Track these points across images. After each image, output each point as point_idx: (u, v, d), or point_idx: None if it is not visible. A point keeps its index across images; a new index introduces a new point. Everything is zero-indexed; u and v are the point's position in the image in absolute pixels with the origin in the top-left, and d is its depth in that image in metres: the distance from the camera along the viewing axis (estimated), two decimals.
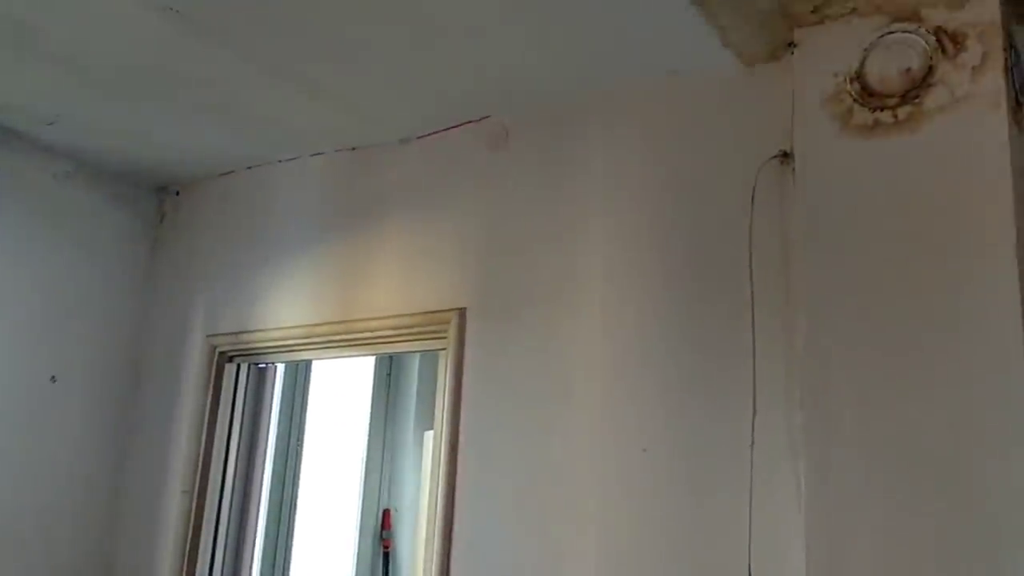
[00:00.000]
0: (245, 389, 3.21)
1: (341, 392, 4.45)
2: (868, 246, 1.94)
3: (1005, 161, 1.82)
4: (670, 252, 2.37)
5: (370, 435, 4.50)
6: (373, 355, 3.32)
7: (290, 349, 3.10)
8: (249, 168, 3.37)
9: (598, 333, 2.42)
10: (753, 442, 2.07)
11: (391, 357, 4.51)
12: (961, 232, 1.86)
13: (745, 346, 2.14)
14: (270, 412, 3.30)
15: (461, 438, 2.60)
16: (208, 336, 3.24)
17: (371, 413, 4.54)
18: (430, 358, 4.00)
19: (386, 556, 4.44)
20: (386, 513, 4.52)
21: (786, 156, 2.20)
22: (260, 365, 3.26)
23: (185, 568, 3.04)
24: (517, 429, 2.51)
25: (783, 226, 2.18)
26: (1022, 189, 1.87)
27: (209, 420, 3.13)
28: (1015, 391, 1.69)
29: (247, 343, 3.15)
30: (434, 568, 2.54)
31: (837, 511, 1.81)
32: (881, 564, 1.75)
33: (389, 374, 4.67)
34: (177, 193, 3.57)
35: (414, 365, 4.63)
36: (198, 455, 3.11)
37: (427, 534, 2.64)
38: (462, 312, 2.69)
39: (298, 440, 3.88)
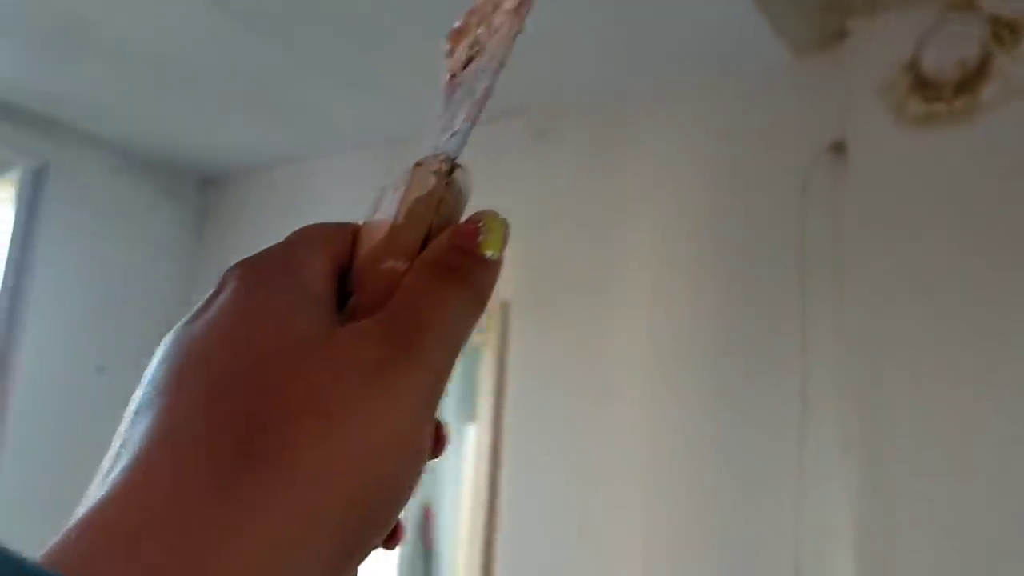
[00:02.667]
0: None
1: None
2: (923, 240, 1.89)
3: None
4: (718, 245, 2.33)
5: None
6: None
7: None
8: (292, 161, 3.38)
9: (644, 327, 2.39)
10: (802, 439, 2.03)
11: None
12: (1017, 225, 1.80)
13: (795, 341, 2.10)
14: None
15: (504, 434, 2.59)
16: None
17: None
18: (466, 351, 3.98)
19: (428, 553, 4.45)
20: (427, 510, 4.52)
21: (839, 147, 2.15)
22: None
23: None
24: (561, 424, 2.49)
25: (835, 219, 2.13)
26: None
27: None
28: None
29: None
30: (477, 566, 2.53)
31: (889, 512, 1.76)
32: (933, 565, 1.70)
33: None
34: (222, 186, 3.61)
35: None
36: None
37: (470, 532, 2.63)
38: (505, 305, 2.68)
39: None
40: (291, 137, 3.17)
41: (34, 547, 0.28)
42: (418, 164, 0.36)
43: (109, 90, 2.89)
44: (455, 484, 4.47)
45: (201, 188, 3.62)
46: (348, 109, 2.91)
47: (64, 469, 3.12)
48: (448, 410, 4.55)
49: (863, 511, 1.79)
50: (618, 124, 2.61)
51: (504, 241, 0.35)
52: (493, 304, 2.67)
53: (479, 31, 0.38)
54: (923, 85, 2.01)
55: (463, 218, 0.36)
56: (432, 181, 0.35)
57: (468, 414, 4.20)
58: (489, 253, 0.35)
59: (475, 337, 2.43)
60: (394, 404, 0.30)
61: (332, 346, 0.31)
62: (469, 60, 0.38)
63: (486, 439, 2.60)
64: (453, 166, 0.36)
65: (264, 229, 3.41)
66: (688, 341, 2.30)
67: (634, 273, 2.45)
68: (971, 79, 1.95)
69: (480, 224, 0.35)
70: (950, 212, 1.89)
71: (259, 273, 0.34)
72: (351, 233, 0.37)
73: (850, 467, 1.87)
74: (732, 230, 2.31)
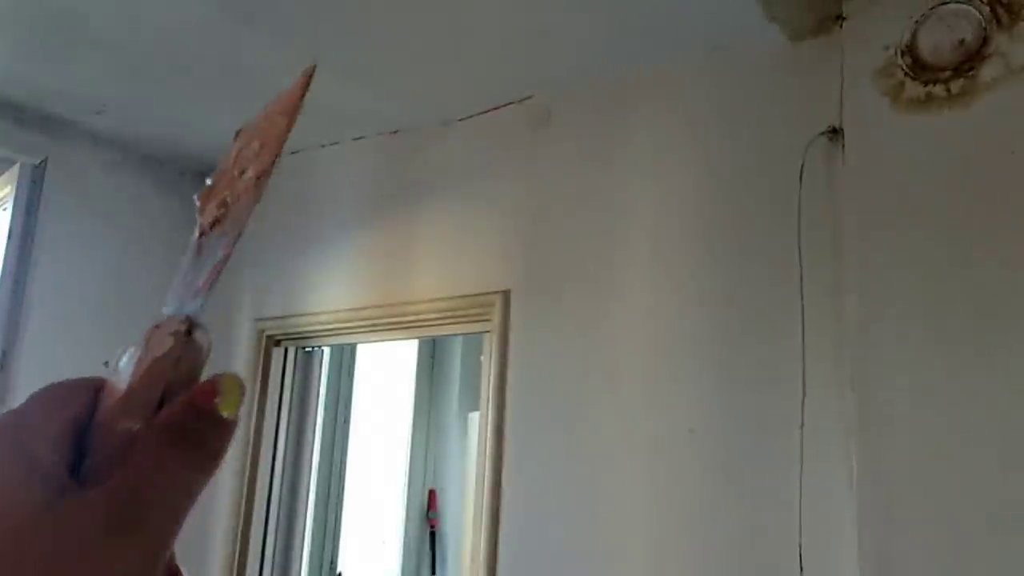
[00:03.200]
0: (293, 372, 3.25)
1: (386, 375, 4.49)
2: (921, 223, 1.90)
3: None
4: (717, 230, 2.34)
5: (415, 417, 4.55)
6: (418, 338, 3.34)
7: (336, 333, 3.13)
8: (293, 153, 3.39)
9: (644, 313, 2.41)
10: (803, 424, 2.05)
11: (434, 340, 4.54)
12: (1016, 207, 1.81)
13: (794, 326, 2.11)
14: (318, 395, 3.34)
15: (507, 420, 2.61)
16: (256, 320, 3.29)
17: (415, 395, 4.58)
18: (472, 340, 4.01)
19: (432, 535, 4.49)
20: (432, 493, 4.56)
21: (835, 132, 2.16)
22: (307, 349, 3.29)
23: (238, 548, 3.10)
24: (563, 410, 2.51)
25: (833, 203, 2.14)
26: None
27: (259, 403, 3.18)
28: None
29: (294, 327, 3.19)
30: (482, 550, 2.55)
31: (889, 494, 1.78)
32: (933, 549, 1.72)
33: (432, 356, 4.70)
34: None
35: (456, 347, 4.65)
36: (248, 438, 3.16)
37: (474, 517, 2.66)
38: (506, 294, 2.69)
39: (345, 422, 3.93)
40: (294, 129, 3.17)
41: None
42: (157, 326, 0.38)
43: (106, 85, 2.89)
44: (460, 469, 4.52)
45: (201, 181, 3.60)
46: (344, 100, 2.91)
47: None
48: (452, 397, 4.59)
49: (863, 496, 1.81)
50: (616, 111, 2.61)
51: (240, 401, 0.36)
52: (495, 292, 2.69)
53: (227, 194, 0.41)
54: (920, 68, 2.01)
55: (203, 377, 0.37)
56: (170, 342, 0.36)
57: (471, 401, 4.23)
58: (225, 413, 0.35)
59: (478, 325, 2.44)
60: (111, 574, 0.32)
61: (57, 518, 0.32)
62: (216, 221, 0.40)
63: (490, 425, 2.62)
64: (192, 326, 0.36)
65: (264, 221, 3.44)
66: (688, 326, 2.32)
67: (634, 259, 2.47)
68: (969, 61, 1.95)
69: (217, 384, 0.36)
70: (947, 195, 1.89)
71: None
72: (94, 390, 0.38)
73: (850, 452, 1.89)
74: (730, 215, 2.32)
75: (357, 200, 3.16)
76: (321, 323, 3.12)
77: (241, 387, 0.36)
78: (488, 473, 2.60)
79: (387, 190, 3.09)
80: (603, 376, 2.45)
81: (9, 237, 3.05)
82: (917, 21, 2.02)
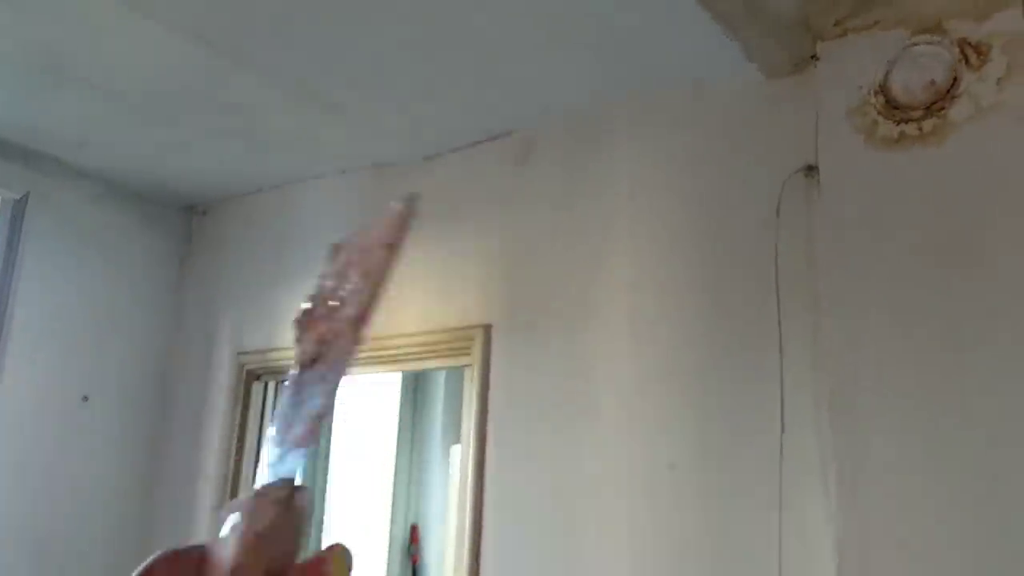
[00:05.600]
0: (273, 406, 3.24)
1: (368, 408, 4.48)
2: (895, 259, 1.93)
3: None
4: (696, 266, 2.37)
5: (398, 450, 4.53)
6: (399, 371, 3.34)
7: None
8: (275, 187, 3.41)
9: (624, 347, 2.42)
10: (782, 458, 2.06)
11: (416, 373, 4.54)
12: (988, 243, 1.84)
13: (773, 360, 2.13)
14: None
15: (487, 454, 2.61)
16: (237, 354, 3.28)
17: (398, 428, 4.56)
18: (455, 372, 4.01)
19: (414, 570, 4.45)
20: (414, 528, 4.53)
21: (811, 169, 2.19)
22: (287, 382, 3.28)
23: None
24: (544, 445, 2.51)
25: (809, 239, 2.17)
26: None
27: (238, 437, 3.16)
28: None
29: (275, 360, 3.18)
30: None
31: (868, 527, 1.79)
32: None
33: (415, 389, 4.69)
34: (204, 213, 3.62)
35: (439, 380, 4.64)
36: (227, 473, 3.14)
37: (455, 552, 2.65)
38: (487, 328, 2.70)
39: (325, 457, 3.91)
40: (273, 163, 3.19)
41: (17, 572, 0.30)
42: (260, 493, 0.37)
43: (89, 121, 2.90)
44: (441, 502, 4.49)
45: (184, 215, 3.64)
46: (326, 136, 2.93)
47: (48, 498, 3.11)
48: (435, 430, 4.57)
49: (842, 524, 1.82)
50: (596, 146, 2.64)
51: (349, 573, 0.36)
52: (476, 327, 2.70)
53: (325, 328, 0.40)
54: (893, 107, 2.05)
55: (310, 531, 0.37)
56: (272, 513, 0.36)
57: (453, 435, 4.22)
58: None
59: (459, 359, 2.44)
60: None
61: None
62: (315, 359, 0.40)
63: (470, 459, 2.62)
64: (292, 491, 0.36)
65: (245, 255, 3.44)
66: (668, 360, 2.33)
67: (614, 294, 2.48)
68: (940, 100, 2.00)
69: (327, 563, 0.36)
70: (919, 230, 1.92)
71: None
72: (197, 564, 0.38)
73: (829, 485, 1.90)
74: (708, 251, 2.35)
75: (339, 234, 3.15)
76: None
77: (349, 561, 0.36)
78: (469, 508, 2.59)
79: (369, 224, 3.09)
80: (583, 410, 2.46)
81: None
82: (890, 61, 2.07)
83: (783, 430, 2.06)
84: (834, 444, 1.87)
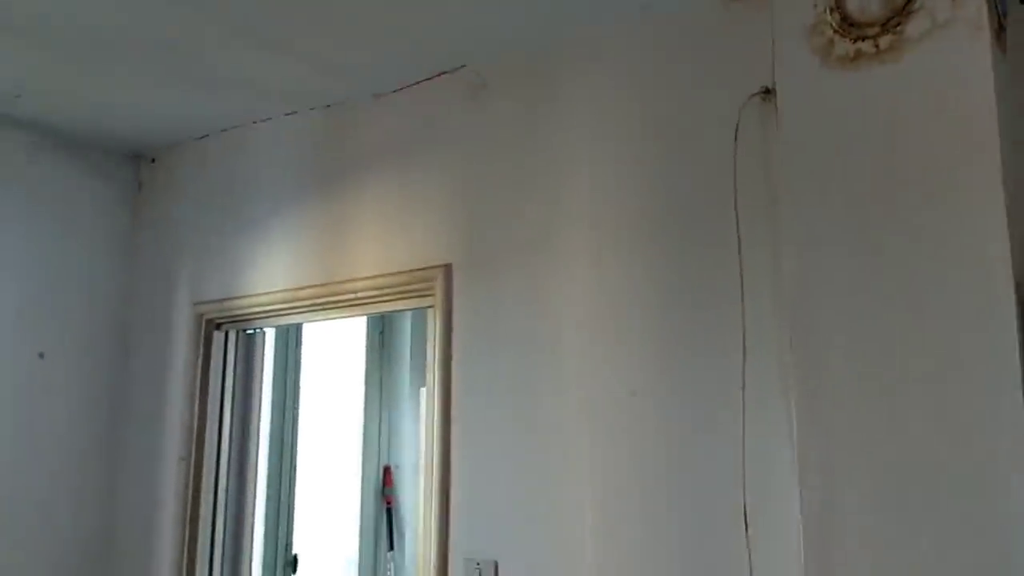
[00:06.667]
0: (235, 355, 3.19)
1: (335, 353, 4.44)
2: (853, 179, 1.91)
3: (989, 87, 1.78)
4: (655, 195, 2.33)
5: (367, 394, 4.51)
6: (361, 316, 3.30)
7: (277, 314, 3.07)
8: (224, 131, 3.31)
9: (585, 279, 2.40)
10: (744, 383, 2.06)
11: (383, 316, 4.50)
12: (946, 160, 1.82)
13: (733, 287, 2.12)
14: (262, 377, 3.29)
15: (454, 394, 2.60)
16: (194, 304, 3.22)
17: (366, 372, 4.54)
18: (421, 315, 3.98)
19: (389, 512, 4.48)
20: (387, 470, 4.54)
21: (768, 92, 2.16)
22: (248, 331, 3.23)
23: (187, 534, 3.05)
24: (509, 381, 2.50)
25: (768, 163, 2.15)
26: (1006, 114, 1.83)
27: (201, 388, 3.12)
28: (1000, 317, 1.67)
29: (233, 309, 3.13)
30: (434, 523, 2.55)
31: (828, 447, 1.80)
32: (873, 495, 1.75)
33: (382, 332, 4.66)
34: (153, 160, 3.52)
35: (406, 323, 4.62)
36: (192, 423, 3.11)
37: (425, 490, 2.65)
38: (448, 268, 2.66)
39: (294, 403, 3.88)
40: (218, 107, 3.09)
41: None
42: None
43: (24, 69, 2.78)
44: (414, 444, 4.50)
45: (132, 163, 3.53)
46: (273, 75, 2.84)
47: (11, 457, 3.07)
48: (404, 373, 4.56)
49: (803, 452, 1.83)
50: (551, 78, 2.58)
51: None
52: (436, 267, 2.66)
53: None
54: (849, 25, 2.01)
55: None
56: None
57: (422, 376, 4.20)
58: None
59: (420, 300, 2.41)
60: None
61: None
62: None
63: (436, 398, 2.61)
64: None
65: (198, 202, 3.37)
66: (629, 290, 2.32)
67: (574, 227, 2.45)
68: (896, 16, 1.96)
69: None
70: (878, 150, 1.90)
71: None
72: None
73: (790, 407, 1.90)
74: (668, 180, 2.32)
75: (292, 177, 3.09)
76: (261, 304, 3.06)
77: None
78: (436, 447, 2.58)
79: (323, 166, 3.03)
80: (546, 345, 2.45)
81: None
82: None
83: (744, 355, 2.06)
84: (794, 366, 1.88)
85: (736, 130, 2.18)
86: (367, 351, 4.56)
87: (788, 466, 1.91)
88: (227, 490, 3.12)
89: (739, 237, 2.14)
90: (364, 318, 4.37)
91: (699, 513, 2.11)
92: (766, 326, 2.07)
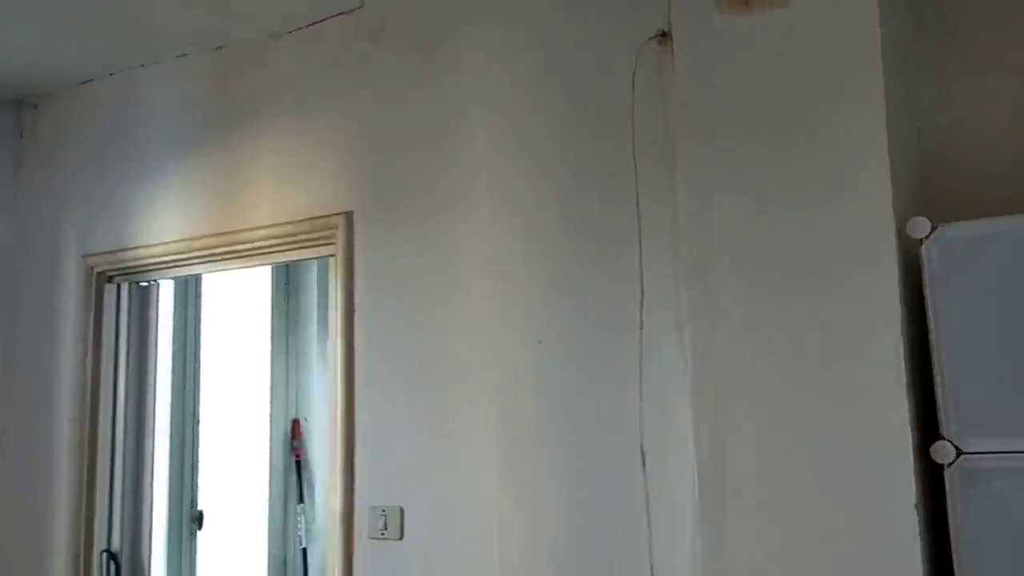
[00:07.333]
0: (128, 309, 3.09)
1: (239, 306, 4.34)
2: (746, 122, 1.93)
3: (873, 27, 1.81)
4: (554, 140, 2.32)
5: (273, 347, 4.43)
6: (261, 266, 3.22)
7: (172, 265, 2.98)
8: (112, 75, 3.16)
9: (486, 227, 2.38)
10: (642, 325, 2.09)
11: (287, 267, 4.41)
12: (832, 103, 1.85)
13: (632, 230, 2.13)
14: (157, 330, 3.19)
15: (357, 343, 2.57)
16: (84, 256, 3.09)
17: (272, 325, 4.45)
18: (327, 265, 3.92)
19: (298, 465, 4.44)
20: (296, 423, 4.49)
21: (664, 35, 2.16)
22: (142, 283, 3.13)
23: (84, 495, 2.97)
24: (413, 330, 2.49)
25: (665, 108, 2.15)
26: (892, 55, 1.87)
27: (94, 344, 3.02)
28: (882, 257, 1.72)
29: (126, 261, 3.02)
30: (339, 472, 2.53)
31: (721, 386, 1.84)
32: (761, 430, 1.80)
33: (287, 284, 4.57)
34: (36, 106, 3.34)
35: (312, 273, 4.53)
36: (85, 380, 3.01)
37: (330, 440, 2.63)
38: (349, 216, 2.62)
39: (195, 357, 3.79)
40: (103, 49, 2.94)
41: None
42: None
43: None
44: (323, 398, 4.46)
45: (13, 110, 3.34)
46: (161, 14, 2.71)
47: None
48: (311, 324, 4.49)
49: (696, 386, 1.87)
50: (449, 20, 2.54)
51: None
52: (337, 214, 2.61)
53: None
54: None
55: None
56: None
57: (326, 328, 4.15)
58: None
59: (321, 249, 2.36)
60: None
61: None
62: None
63: (339, 348, 2.57)
64: None
65: (85, 149, 3.22)
66: (529, 238, 2.31)
67: (474, 174, 2.43)
68: None
69: None
70: (770, 94, 1.92)
71: None
72: None
73: (684, 345, 1.94)
74: (566, 125, 2.30)
75: (185, 123, 2.98)
76: (155, 256, 2.96)
77: None
78: (340, 398, 2.56)
79: (217, 111, 2.92)
80: (449, 293, 2.43)
81: None
82: None
83: (642, 297, 2.09)
84: (688, 308, 1.91)
85: (634, 74, 2.18)
86: (273, 303, 4.46)
87: (683, 406, 1.95)
88: (124, 448, 3.04)
89: (637, 181, 2.15)
90: (269, 269, 4.28)
91: (600, 455, 2.14)
92: (664, 268, 2.09)
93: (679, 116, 2.03)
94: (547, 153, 2.31)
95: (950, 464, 1.60)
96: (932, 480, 1.65)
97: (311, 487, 4.46)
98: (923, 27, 2.14)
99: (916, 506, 1.61)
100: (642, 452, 2.03)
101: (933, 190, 2.06)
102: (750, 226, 1.88)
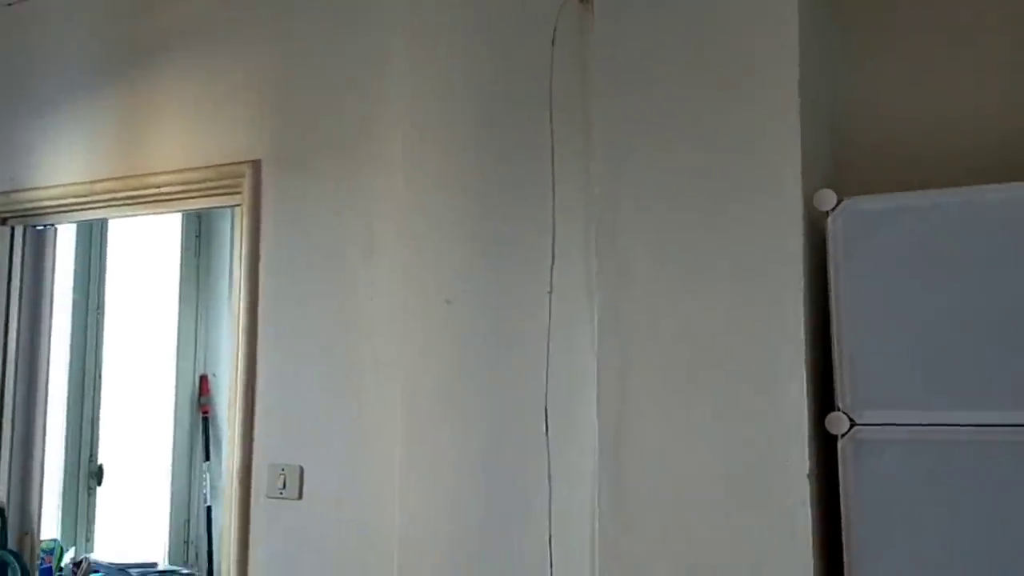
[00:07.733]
0: (23, 253, 2.94)
1: (147, 255, 4.19)
2: (662, 89, 1.90)
3: None
4: (472, 98, 2.26)
5: (181, 299, 4.29)
6: (165, 213, 3.09)
7: (70, 208, 2.84)
8: (10, 4, 2.97)
9: (399, 183, 2.32)
10: (552, 289, 2.06)
11: (199, 217, 4.27)
12: (747, 65, 1.83)
13: (546, 193, 2.10)
14: (53, 276, 3.05)
15: (261, 297, 2.49)
16: None
17: (181, 276, 4.30)
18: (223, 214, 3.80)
19: (205, 421, 4.34)
20: (203, 379, 4.38)
21: None
22: (38, 227, 2.98)
23: None
24: (320, 284, 2.42)
25: (583, 70, 2.11)
26: (808, 24, 1.87)
27: None
28: (788, 224, 1.72)
29: (21, 202, 2.87)
30: (238, 428, 2.47)
31: (626, 350, 1.83)
32: (666, 399, 1.80)
33: (199, 235, 4.42)
34: None
35: (225, 224, 4.39)
36: None
37: (229, 398, 2.55)
38: (256, 164, 2.52)
39: (97, 306, 3.65)
40: None
41: None
42: None
43: None
44: (232, 352, 4.35)
45: None
46: None
47: None
48: (223, 277, 4.36)
49: (602, 353, 1.86)
50: None
51: None
52: (244, 163, 2.51)
53: None
54: None
55: None
56: None
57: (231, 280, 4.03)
58: None
59: (227, 199, 2.27)
60: None
61: None
62: None
63: (242, 303, 2.49)
64: None
65: None
66: (443, 197, 2.25)
67: (388, 128, 2.36)
68: None
69: None
70: (686, 56, 1.89)
71: None
72: None
73: (592, 308, 1.92)
74: (485, 83, 2.25)
75: (86, 59, 2.82)
76: (52, 198, 2.82)
77: None
78: (242, 353, 2.48)
79: (121, 47, 2.77)
80: (359, 248, 2.37)
81: None
82: None
83: (553, 260, 2.06)
84: (597, 272, 1.89)
85: (554, 31, 2.13)
86: (182, 253, 4.31)
87: (590, 368, 1.94)
88: (15, 399, 2.90)
89: (553, 142, 2.11)
90: (179, 218, 4.13)
91: (505, 416, 2.12)
92: (576, 232, 2.07)
93: (597, 80, 1.99)
94: (464, 112, 2.26)
95: (843, 435, 1.62)
96: (828, 451, 1.67)
97: (218, 444, 4.36)
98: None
99: (809, 476, 1.63)
100: (545, 412, 2.02)
101: (848, 166, 2.07)
102: (660, 191, 1.86)
